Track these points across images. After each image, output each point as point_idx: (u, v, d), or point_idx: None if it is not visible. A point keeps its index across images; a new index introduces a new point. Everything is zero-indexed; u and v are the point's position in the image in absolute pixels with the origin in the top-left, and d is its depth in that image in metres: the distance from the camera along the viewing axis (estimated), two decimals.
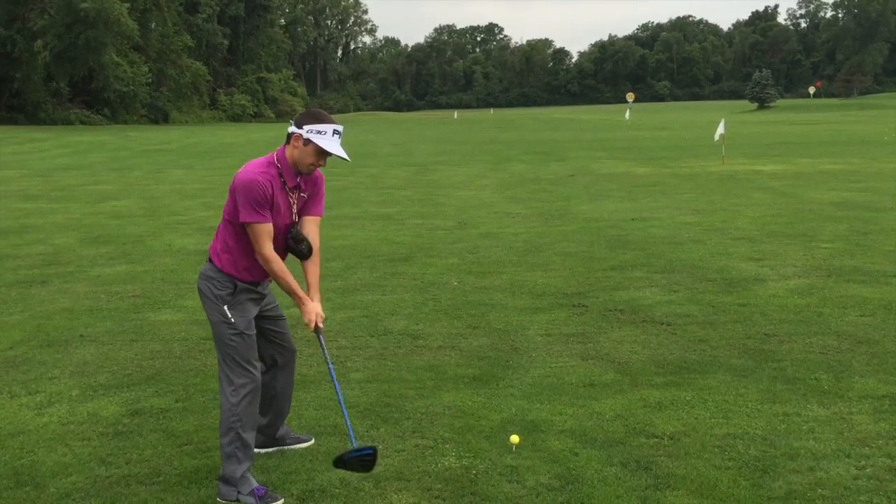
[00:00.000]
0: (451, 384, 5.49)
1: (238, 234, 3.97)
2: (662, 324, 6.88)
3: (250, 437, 4.03)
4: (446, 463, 4.27)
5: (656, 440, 4.52)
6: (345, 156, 3.91)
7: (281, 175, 3.93)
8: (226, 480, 3.94)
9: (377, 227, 12.62)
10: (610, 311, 7.34)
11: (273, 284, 4.16)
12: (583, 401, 5.13)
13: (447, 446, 4.48)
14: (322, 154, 3.91)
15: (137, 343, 6.57)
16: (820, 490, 3.92)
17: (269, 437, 4.43)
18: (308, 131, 3.86)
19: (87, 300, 8.10)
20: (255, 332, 4.07)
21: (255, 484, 3.95)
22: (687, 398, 5.15)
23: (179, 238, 11.96)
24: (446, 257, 10.06)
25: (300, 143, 3.90)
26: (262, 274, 4.04)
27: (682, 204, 14.80)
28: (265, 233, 3.87)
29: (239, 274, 4.00)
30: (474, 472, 4.17)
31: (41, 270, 9.62)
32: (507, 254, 10.22)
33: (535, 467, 4.20)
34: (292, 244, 4.03)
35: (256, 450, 4.29)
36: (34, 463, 4.36)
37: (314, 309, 4.01)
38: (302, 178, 4.02)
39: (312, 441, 4.55)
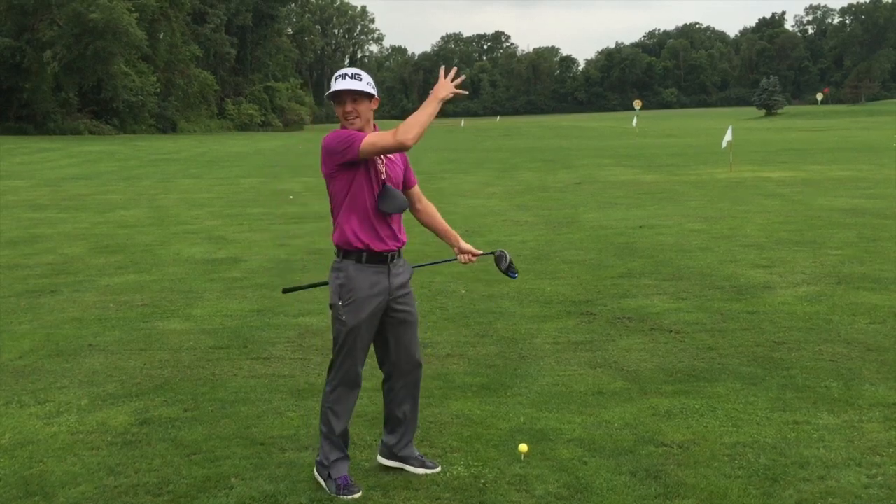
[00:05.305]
0: (458, 393, 5.48)
1: (343, 199, 3.96)
2: (671, 332, 6.86)
3: (338, 426, 4.08)
4: (454, 472, 4.26)
5: (665, 449, 4.50)
6: (341, 86, 3.84)
7: None
8: (320, 462, 4.11)
9: None
10: (618, 318, 7.33)
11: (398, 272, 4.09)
12: (591, 409, 5.12)
13: (455, 455, 4.46)
14: (337, 100, 3.91)
15: (146, 352, 6.58)
16: (830, 499, 3.90)
17: (391, 453, 4.28)
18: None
19: (95, 309, 8.12)
20: (367, 334, 4.02)
21: (343, 472, 4.07)
22: (696, 406, 5.13)
23: (188, 247, 12.00)
24: (454, 265, 10.05)
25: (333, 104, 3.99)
26: (381, 243, 3.98)
27: (690, 211, 14.78)
28: (371, 139, 3.79)
29: (356, 242, 3.94)
30: (483, 481, 4.15)
31: (50, 280, 9.66)
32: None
33: (544, 476, 4.19)
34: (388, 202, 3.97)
35: (381, 460, 4.29)
36: (43, 473, 4.36)
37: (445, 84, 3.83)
38: None
39: (438, 469, 4.25)
